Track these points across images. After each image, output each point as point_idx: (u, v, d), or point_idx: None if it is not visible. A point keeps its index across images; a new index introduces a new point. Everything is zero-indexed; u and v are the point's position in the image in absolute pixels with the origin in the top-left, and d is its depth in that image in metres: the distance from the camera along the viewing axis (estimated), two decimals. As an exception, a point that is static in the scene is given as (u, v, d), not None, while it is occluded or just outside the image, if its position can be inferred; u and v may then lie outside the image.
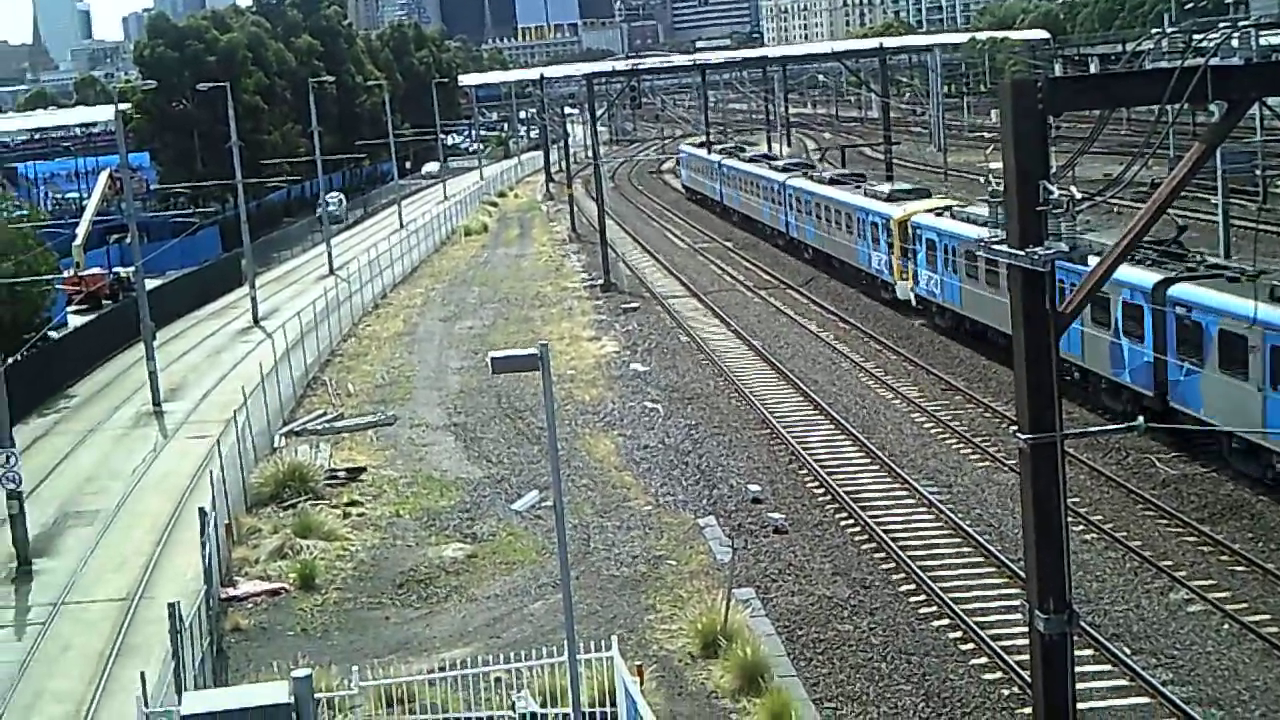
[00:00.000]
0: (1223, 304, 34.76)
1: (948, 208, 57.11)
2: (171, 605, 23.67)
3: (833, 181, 74.15)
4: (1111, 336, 39.91)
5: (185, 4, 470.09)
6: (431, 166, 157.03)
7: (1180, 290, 36.68)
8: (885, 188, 67.08)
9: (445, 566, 33.62)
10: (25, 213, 78.66)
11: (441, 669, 25.48)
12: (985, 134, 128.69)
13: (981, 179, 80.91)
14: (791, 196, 77.97)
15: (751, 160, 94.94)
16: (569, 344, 58.94)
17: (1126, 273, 37.41)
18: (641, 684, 23.58)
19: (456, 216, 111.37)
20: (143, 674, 22.75)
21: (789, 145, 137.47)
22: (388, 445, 45.34)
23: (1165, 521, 33.30)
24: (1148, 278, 38.00)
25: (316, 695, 21.61)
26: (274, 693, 21.70)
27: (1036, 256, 16.05)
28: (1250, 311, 32.62)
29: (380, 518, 37.69)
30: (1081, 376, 42.18)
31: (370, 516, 37.80)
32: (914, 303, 58.01)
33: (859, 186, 69.49)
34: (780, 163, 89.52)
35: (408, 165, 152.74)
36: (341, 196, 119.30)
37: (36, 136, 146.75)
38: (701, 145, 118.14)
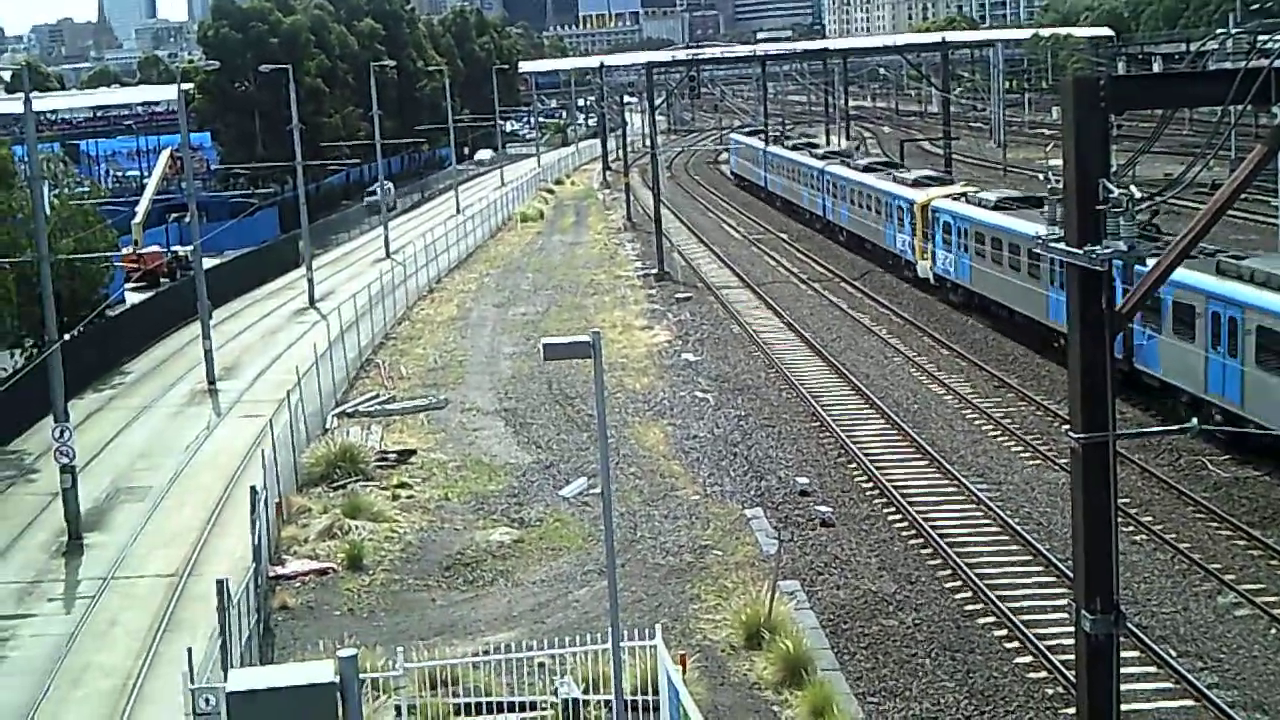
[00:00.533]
0: (1176, 277, 34.09)
1: (964, 193, 62.18)
2: (220, 582, 23.84)
3: (866, 169, 78.10)
4: None
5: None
6: (484, 154, 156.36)
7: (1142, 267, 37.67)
8: (912, 174, 71.43)
9: (492, 550, 33.72)
10: (86, 190, 79.44)
11: (485, 653, 25.58)
12: (1045, 131, 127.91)
13: (1041, 176, 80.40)
14: (829, 182, 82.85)
15: (794, 148, 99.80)
16: (621, 332, 58.99)
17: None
18: (684, 673, 23.58)
19: (513, 203, 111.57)
20: (189, 650, 22.94)
21: (848, 138, 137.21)
22: (438, 428, 45.51)
23: (1215, 524, 33.05)
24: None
25: (361, 675, 21.70)
26: (319, 672, 21.75)
27: (1094, 255, 15.92)
28: (1199, 284, 38.15)
29: (429, 500, 37.84)
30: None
31: (419, 499, 37.96)
32: (932, 280, 62.46)
33: (890, 173, 74.05)
34: (820, 150, 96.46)
35: (466, 151, 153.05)
36: (390, 185, 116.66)
37: (99, 114, 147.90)
38: (751, 134, 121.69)
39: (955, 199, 60.99)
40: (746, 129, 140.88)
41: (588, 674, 24.26)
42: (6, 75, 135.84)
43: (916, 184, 67.37)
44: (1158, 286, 17.24)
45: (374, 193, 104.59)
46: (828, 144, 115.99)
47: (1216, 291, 37.84)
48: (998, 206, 55.57)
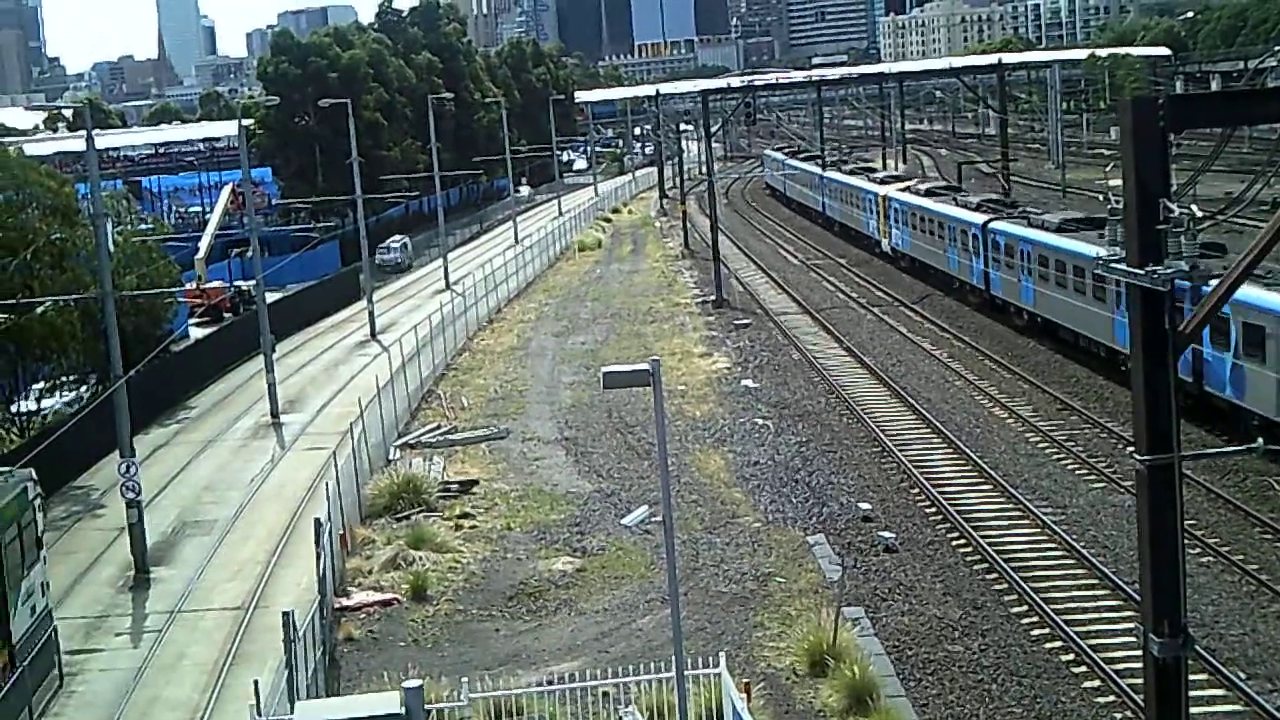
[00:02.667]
0: (1091, 251, 43.93)
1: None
2: (286, 614, 23.98)
3: (852, 172, 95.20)
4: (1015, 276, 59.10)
5: (308, 20, 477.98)
6: (524, 190, 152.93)
7: (1065, 242, 53.72)
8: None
9: (555, 580, 33.77)
10: (149, 226, 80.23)
11: (550, 682, 25.59)
12: (1104, 151, 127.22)
13: (1100, 196, 79.97)
14: (826, 185, 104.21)
15: (852, 172, 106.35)
16: (680, 360, 59.00)
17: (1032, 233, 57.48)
18: (749, 701, 23.51)
19: (571, 232, 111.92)
20: (256, 682, 23.08)
21: (904, 161, 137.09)
22: (500, 458, 45.64)
23: (1285, 546, 32.69)
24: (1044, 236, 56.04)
25: (426, 706, 21.82)
26: (385, 703, 21.92)
27: (1156, 276, 15.82)
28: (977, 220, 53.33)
29: (491, 530, 37.94)
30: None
31: (482, 529, 38.07)
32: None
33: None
34: (814, 154, 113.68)
35: (524, 181, 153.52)
36: (406, 240, 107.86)
37: (161, 150, 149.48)
38: (779, 150, 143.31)
39: (1016, 220, 61.23)
40: (785, 148, 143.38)
41: (652, 703, 24.24)
42: (69, 113, 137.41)
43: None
44: (1221, 306, 17.12)
45: (388, 249, 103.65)
46: (884, 167, 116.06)
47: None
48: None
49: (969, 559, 33.60)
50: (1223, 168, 24.39)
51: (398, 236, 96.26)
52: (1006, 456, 41.78)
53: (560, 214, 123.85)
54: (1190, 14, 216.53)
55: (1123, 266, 16.57)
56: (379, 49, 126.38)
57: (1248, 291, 38.69)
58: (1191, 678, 17.65)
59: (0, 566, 27.01)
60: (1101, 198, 69.19)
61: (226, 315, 77.62)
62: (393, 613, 32.21)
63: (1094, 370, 50.48)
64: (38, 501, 30.38)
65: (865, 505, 37.80)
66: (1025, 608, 30.20)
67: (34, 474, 30.44)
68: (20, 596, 28.03)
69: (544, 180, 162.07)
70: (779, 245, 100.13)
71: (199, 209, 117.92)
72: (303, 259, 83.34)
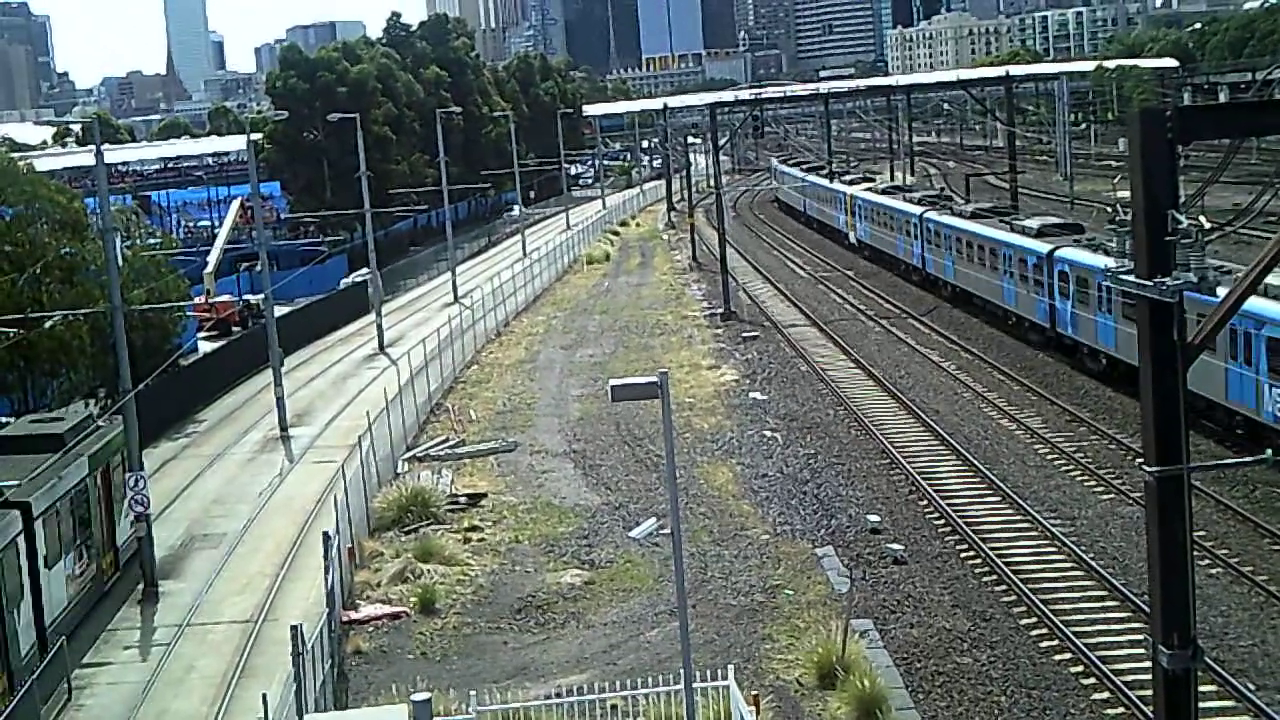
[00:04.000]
0: (1020, 243, 60.60)
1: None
2: (294, 628, 23.99)
3: (830, 175, 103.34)
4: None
5: (317, 35, 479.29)
6: (516, 209, 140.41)
7: (975, 226, 67.30)
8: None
9: (563, 593, 33.75)
10: (158, 240, 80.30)
11: (558, 695, 25.59)
12: (1112, 163, 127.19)
13: (1108, 208, 79.91)
14: (809, 191, 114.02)
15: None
16: (688, 372, 58.98)
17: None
18: (758, 714, 23.50)
19: (579, 245, 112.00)
20: (264, 696, 23.06)
21: (912, 173, 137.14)
22: (508, 471, 45.64)
23: (1295, 557, 32.64)
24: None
25: (435, 719, 21.81)
26: (393, 715, 21.96)
27: (1164, 287, 15.81)
28: (1039, 248, 57.51)
29: (500, 543, 37.93)
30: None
31: (490, 542, 38.06)
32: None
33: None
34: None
35: (532, 195, 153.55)
36: (377, 274, 78.33)
37: (170, 165, 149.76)
38: (791, 163, 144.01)
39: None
40: (800, 160, 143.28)
41: (660, 715, 24.21)
42: (78, 128, 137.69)
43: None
44: (1230, 318, 17.10)
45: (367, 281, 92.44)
46: (891, 179, 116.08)
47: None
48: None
49: (978, 571, 33.56)
50: (1231, 179, 24.37)
51: (364, 270, 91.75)
52: (1015, 468, 41.74)
53: (568, 227, 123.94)
54: (1198, 25, 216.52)
55: (1131, 278, 16.57)
56: (387, 63, 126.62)
57: (1078, 254, 54.10)
58: (1201, 689, 17.63)
59: (109, 481, 37.47)
60: (1109, 209, 69.11)
61: (235, 329, 77.69)
62: (401, 626, 32.21)
63: (1102, 382, 50.44)
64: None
65: (874, 517, 37.76)
66: (1034, 620, 30.15)
67: (121, 429, 38.28)
68: (123, 513, 37.75)
69: (552, 194, 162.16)
70: (787, 258, 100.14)
71: (208, 223, 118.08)
72: (311, 273, 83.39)
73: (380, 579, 34.90)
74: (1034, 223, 63.48)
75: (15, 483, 30.22)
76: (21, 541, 30.40)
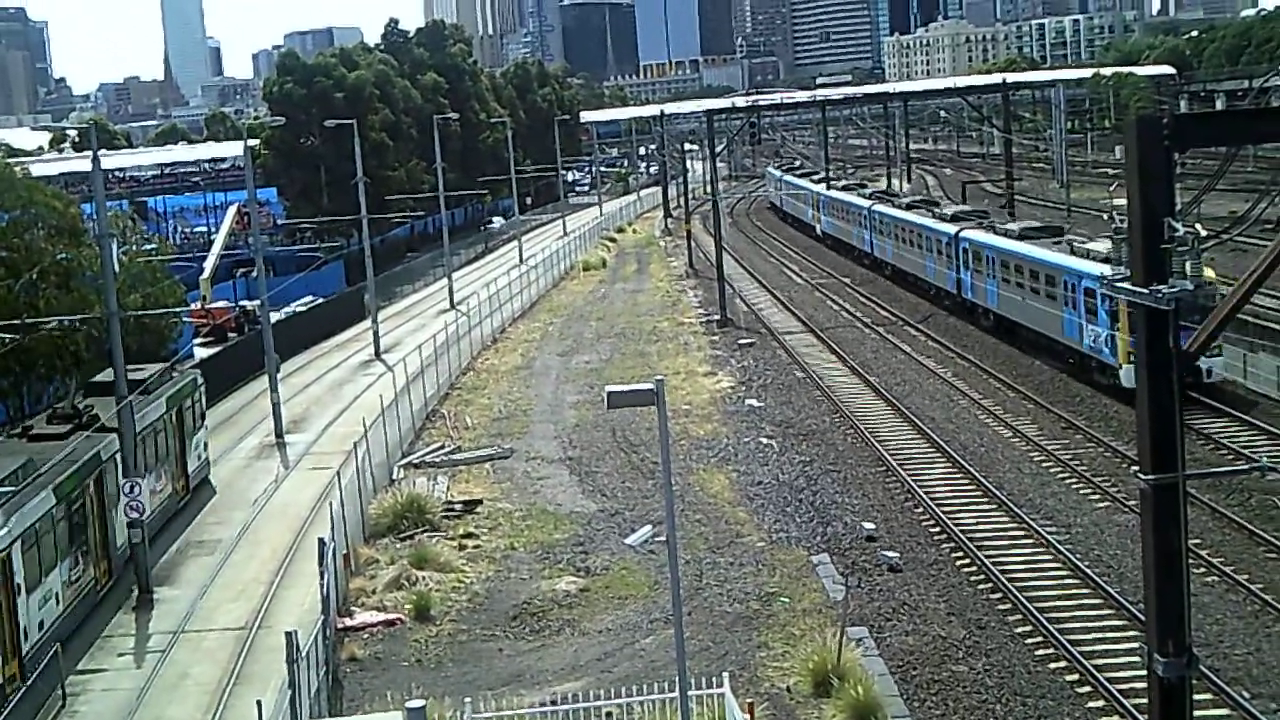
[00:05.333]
0: (938, 227, 72.54)
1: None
2: (289, 634, 23.95)
3: (804, 176, 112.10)
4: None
5: (314, 41, 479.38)
6: (496, 222, 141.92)
7: (907, 215, 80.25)
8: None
9: (558, 600, 33.72)
10: (154, 246, 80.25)
11: (553, 702, 25.53)
12: (1109, 170, 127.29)
13: (1104, 215, 79.95)
14: (787, 187, 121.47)
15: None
16: (685, 379, 58.97)
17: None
18: (753, 721, 23.45)
19: (576, 252, 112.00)
20: (259, 703, 23.05)
21: (909, 180, 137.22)
22: (504, 478, 45.62)
23: (1290, 565, 32.62)
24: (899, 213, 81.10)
25: (429, 726, 21.76)
26: (387, 723, 21.87)
27: (1160, 295, 15.80)
28: (949, 230, 69.16)
29: (495, 550, 37.91)
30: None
31: (485, 549, 38.03)
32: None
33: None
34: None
35: (529, 201, 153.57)
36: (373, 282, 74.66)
37: (167, 171, 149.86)
38: (789, 169, 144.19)
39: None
40: (786, 165, 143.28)
41: (656, 723, 24.17)
42: (75, 133, 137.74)
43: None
44: (1225, 326, 17.09)
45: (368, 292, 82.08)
46: (887, 186, 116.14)
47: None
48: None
49: (973, 579, 33.54)
50: (1227, 187, 24.39)
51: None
52: (1011, 476, 41.73)
53: (565, 234, 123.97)
54: (1195, 33, 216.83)
55: (1126, 285, 16.56)
56: (385, 70, 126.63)
57: (976, 235, 65.90)
58: (1196, 698, 17.61)
59: (182, 423, 45.80)
60: (1106, 217, 69.09)
61: (231, 335, 77.59)
62: (396, 633, 32.17)
63: (1100, 391, 50.45)
64: (202, 389, 49.06)
65: (869, 525, 37.74)
66: (1029, 628, 30.14)
67: (200, 374, 49.74)
68: (192, 446, 46.74)
69: (549, 200, 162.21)
70: (783, 264, 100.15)
71: (204, 229, 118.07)
72: (308, 279, 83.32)
73: (375, 586, 34.87)
74: (949, 210, 76.86)
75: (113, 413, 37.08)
76: (119, 457, 37.95)
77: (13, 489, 31.61)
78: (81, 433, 36.79)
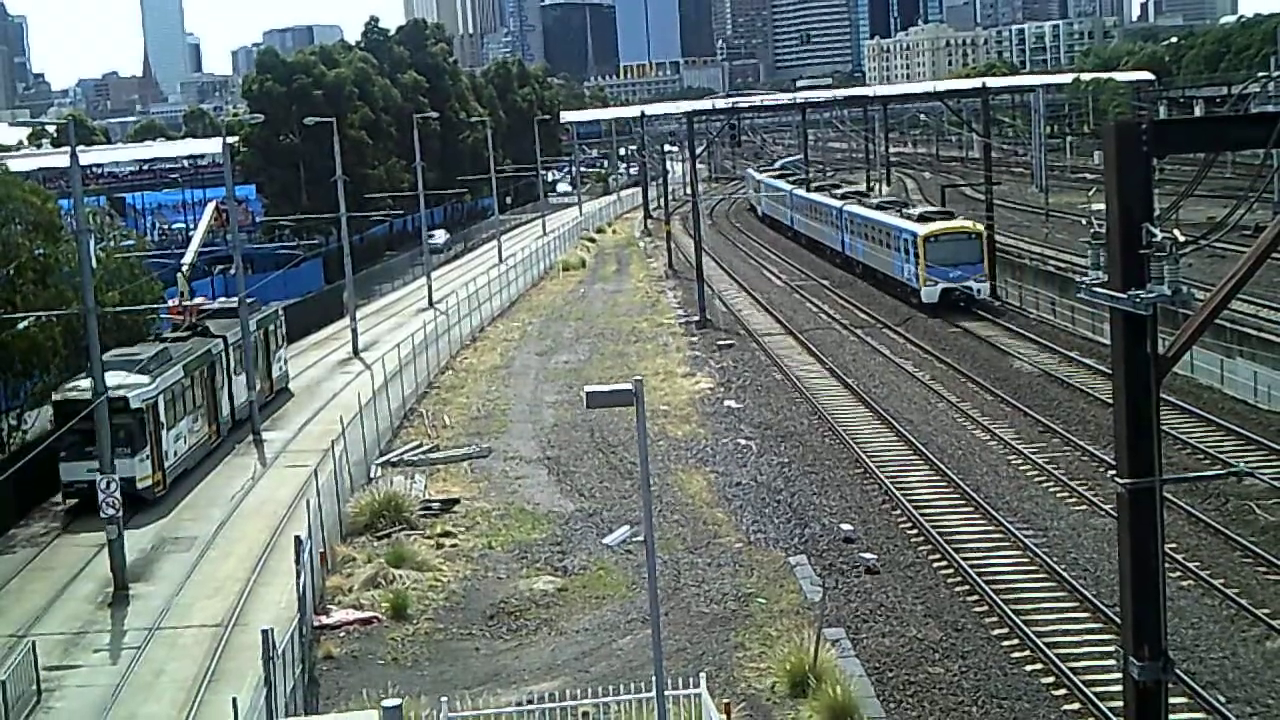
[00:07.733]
0: (828, 202, 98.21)
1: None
2: (265, 632, 23.90)
3: (781, 174, 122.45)
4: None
5: (294, 39, 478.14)
6: (438, 235, 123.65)
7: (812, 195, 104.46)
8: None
9: (535, 599, 33.71)
10: (132, 242, 79.93)
11: (530, 701, 25.54)
12: (1088, 175, 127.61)
13: (1083, 220, 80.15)
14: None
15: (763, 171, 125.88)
16: (663, 380, 58.98)
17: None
18: (729, 722, 23.46)
19: (555, 252, 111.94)
20: (235, 700, 22.98)
21: (889, 184, 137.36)
22: (482, 477, 45.58)
23: (1264, 569, 32.79)
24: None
25: (405, 725, 21.74)
26: (364, 721, 21.83)
27: (1138, 300, 15.85)
28: (836, 205, 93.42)
29: (472, 549, 37.88)
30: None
31: (463, 548, 38.01)
32: None
33: (900, 211, 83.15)
34: (768, 168, 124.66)
35: (509, 201, 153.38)
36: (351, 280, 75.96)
37: (145, 167, 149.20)
38: (774, 172, 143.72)
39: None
40: (767, 166, 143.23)
41: (632, 723, 24.17)
42: (53, 129, 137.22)
43: (842, 197, 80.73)
44: (1204, 331, 17.15)
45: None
46: (870, 190, 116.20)
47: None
48: (817, 189, 63.62)
49: (950, 581, 33.61)
50: (1205, 192, 24.46)
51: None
52: (988, 479, 41.83)
53: (544, 233, 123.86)
54: (1174, 39, 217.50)
55: (1105, 290, 16.61)
56: (365, 68, 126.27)
57: (854, 208, 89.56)
58: (1171, 701, 17.66)
59: (269, 346, 60.07)
60: (1084, 221, 69.27)
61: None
62: (373, 631, 32.13)
63: (1089, 393, 50.61)
64: (283, 318, 63.22)
65: (847, 526, 37.81)
66: (1006, 630, 30.22)
67: (282, 308, 64.99)
68: (275, 359, 61.14)
69: (528, 200, 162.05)
70: (762, 266, 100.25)
71: (182, 226, 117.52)
72: (286, 276, 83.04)
73: (352, 584, 34.82)
74: (840, 191, 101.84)
75: (223, 331, 54.55)
76: (224, 356, 53.86)
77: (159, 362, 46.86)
78: (198, 338, 53.13)
